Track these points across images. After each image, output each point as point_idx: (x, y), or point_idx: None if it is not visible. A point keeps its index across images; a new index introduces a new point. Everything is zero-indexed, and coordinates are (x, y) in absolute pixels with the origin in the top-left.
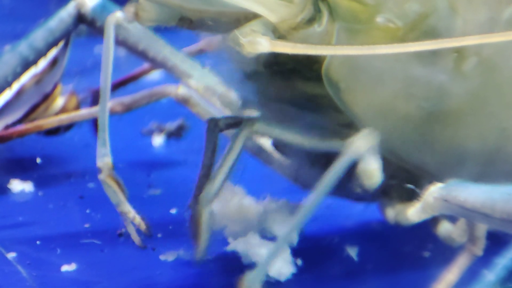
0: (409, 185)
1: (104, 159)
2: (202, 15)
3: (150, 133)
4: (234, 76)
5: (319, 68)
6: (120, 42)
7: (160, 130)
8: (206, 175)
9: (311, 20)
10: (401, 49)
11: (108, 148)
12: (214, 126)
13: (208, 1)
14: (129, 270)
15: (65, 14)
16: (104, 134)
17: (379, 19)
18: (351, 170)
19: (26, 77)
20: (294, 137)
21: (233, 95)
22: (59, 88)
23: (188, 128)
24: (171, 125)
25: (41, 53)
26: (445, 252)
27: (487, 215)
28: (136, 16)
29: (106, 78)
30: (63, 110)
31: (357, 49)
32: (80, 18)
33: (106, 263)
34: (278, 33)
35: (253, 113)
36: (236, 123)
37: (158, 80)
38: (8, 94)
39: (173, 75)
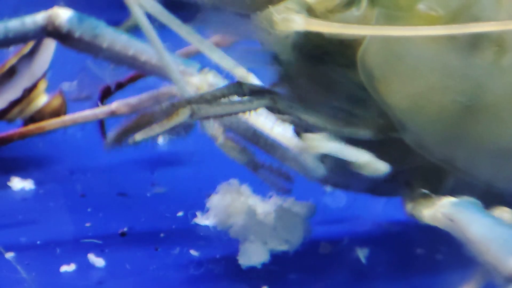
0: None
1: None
2: None
3: None
4: (262, 60)
5: (354, 54)
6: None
7: None
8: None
9: (349, 3)
10: (439, 32)
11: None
12: (237, 88)
13: None
14: (131, 270)
15: (29, 20)
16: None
17: (421, 6)
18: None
19: None
20: (318, 120)
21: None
22: (43, 84)
23: (192, 126)
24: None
25: None
26: (457, 256)
27: (481, 252)
28: None
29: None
30: (47, 107)
31: (396, 30)
32: (50, 31)
33: (107, 264)
34: (313, 15)
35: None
36: (261, 91)
37: (157, 81)
38: None
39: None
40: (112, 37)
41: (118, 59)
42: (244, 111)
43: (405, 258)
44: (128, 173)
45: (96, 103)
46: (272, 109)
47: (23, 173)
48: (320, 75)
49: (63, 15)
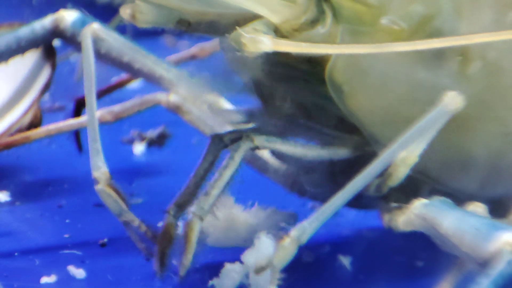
0: (409, 192)
1: (100, 169)
2: (201, 17)
3: (131, 142)
4: (232, 81)
5: (322, 71)
6: (102, 55)
7: (141, 138)
8: (196, 185)
9: (314, 22)
10: (404, 48)
11: (102, 158)
12: (219, 141)
13: (207, 2)
14: (112, 281)
15: (39, 26)
16: (96, 144)
17: (384, 21)
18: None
19: None
20: (296, 149)
21: (224, 103)
22: None
23: (169, 136)
24: (152, 133)
25: (0, 58)
26: (439, 261)
27: (455, 245)
28: (133, 18)
29: (91, 91)
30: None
31: (361, 48)
32: (57, 33)
33: (88, 275)
34: (280, 35)
35: (251, 123)
36: (240, 137)
37: (138, 89)
38: None
39: (159, 85)
40: (110, 44)
41: (116, 64)
42: (234, 172)
43: (387, 264)
44: None
45: (71, 114)
46: (251, 148)
47: None
48: (292, 94)
49: (68, 17)
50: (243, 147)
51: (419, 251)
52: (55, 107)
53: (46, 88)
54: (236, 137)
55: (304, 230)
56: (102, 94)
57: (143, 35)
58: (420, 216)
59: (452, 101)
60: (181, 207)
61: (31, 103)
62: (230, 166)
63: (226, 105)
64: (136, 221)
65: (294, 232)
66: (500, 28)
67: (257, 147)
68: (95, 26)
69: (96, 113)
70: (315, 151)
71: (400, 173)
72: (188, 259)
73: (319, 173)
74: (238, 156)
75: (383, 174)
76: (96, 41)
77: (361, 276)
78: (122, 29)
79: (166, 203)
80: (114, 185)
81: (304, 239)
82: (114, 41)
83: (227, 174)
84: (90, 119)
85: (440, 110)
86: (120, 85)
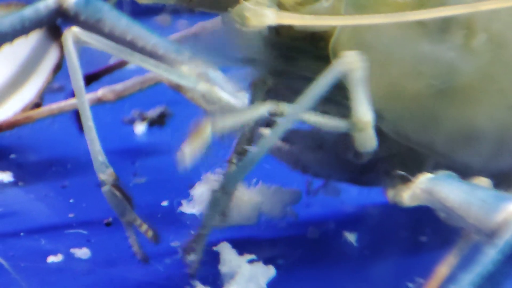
0: (412, 167)
1: (105, 171)
2: None
3: (132, 122)
4: (234, 58)
5: (326, 46)
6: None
7: (142, 118)
8: (252, 130)
9: None
10: (410, 18)
11: (105, 159)
12: (262, 84)
13: None
14: (118, 260)
15: (43, 5)
16: (96, 146)
17: None
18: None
19: None
20: (317, 119)
21: (230, 82)
22: None
23: (170, 115)
24: (153, 113)
25: (5, 38)
26: (444, 236)
27: (462, 217)
28: None
29: (81, 95)
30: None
31: (365, 18)
32: (61, 13)
33: (93, 254)
34: (284, 9)
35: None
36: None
37: (138, 69)
38: None
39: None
40: (113, 23)
41: (119, 43)
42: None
43: (393, 239)
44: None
45: (70, 94)
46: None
47: (1, 166)
48: (295, 71)
49: None
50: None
51: (424, 226)
52: (54, 87)
53: (58, 68)
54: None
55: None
56: (100, 75)
57: (140, 14)
58: (426, 191)
59: (352, 61)
60: (242, 154)
61: (43, 83)
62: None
63: (221, 93)
64: (138, 221)
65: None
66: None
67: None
68: (76, 30)
69: (90, 116)
70: (335, 123)
71: (363, 138)
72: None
73: (322, 151)
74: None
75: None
76: (78, 44)
77: (367, 251)
78: (119, 7)
79: (169, 182)
80: (120, 185)
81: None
82: (97, 43)
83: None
84: (86, 122)
85: (338, 69)
86: (118, 66)
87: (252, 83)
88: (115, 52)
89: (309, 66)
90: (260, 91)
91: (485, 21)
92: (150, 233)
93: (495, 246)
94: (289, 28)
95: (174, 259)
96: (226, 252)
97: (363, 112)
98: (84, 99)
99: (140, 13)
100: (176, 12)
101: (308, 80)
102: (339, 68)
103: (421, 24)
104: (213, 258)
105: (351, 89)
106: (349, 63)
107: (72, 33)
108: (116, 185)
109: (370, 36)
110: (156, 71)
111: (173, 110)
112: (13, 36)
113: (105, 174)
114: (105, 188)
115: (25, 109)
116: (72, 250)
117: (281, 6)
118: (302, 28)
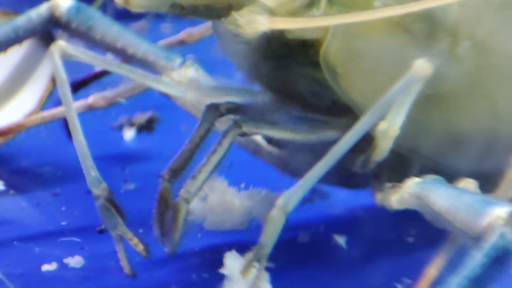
0: (400, 170)
1: (98, 185)
2: (194, 1)
3: (121, 127)
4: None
5: (316, 54)
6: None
7: (131, 124)
8: (191, 151)
9: (309, 5)
10: (398, 11)
11: (97, 173)
12: (215, 110)
13: None
14: (111, 267)
15: (35, 14)
16: (87, 161)
17: (377, 3)
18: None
19: None
20: (283, 134)
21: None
22: None
23: (159, 120)
24: (142, 118)
25: None
26: (433, 238)
27: (449, 221)
28: (126, 2)
29: (70, 109)
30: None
31: (354, 17)
32: (53, 21)
33: (88, 261)
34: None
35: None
36: (237, 108)
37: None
38: None
39: (154, 71)
40: (104, 30)
41: (110, 50)
42: (221, 157)
43: (381, 241)
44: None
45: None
46: (240, 134)
47: None
48: (286, 77)
49: (63, 4)
50: (232, 133)
51: (412, 227)
52: None
53: None
54: (232, 107)
55: (289, 198)
56: (90, 80)
57: (123, 17)
58: (414, 195)
59: (421, 68)
60: (176, 172)
61: (43, 92)
62: (218, 151)
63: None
64: (128, 235)
65: (280, 201)
66: (489, 8)
67: (245, 133)
68: (62, 44)
69: (81, 131)
70: (303, 135)
71: (383, 147)
72: (176, 239)
73: (310, 155)
74: (226, 142)
75: (367, 149)
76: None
77: (357, 254)
78: (103, 10)
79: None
80: (113, 199)
81: (290, 207)
82: (83, 56)
83: (215, 159)
84: (76, 137)
85: (410, 77)
86: (108, 71)
87: (206, 107)
88: (102, 65)
89: (299, 74)
90: (211, 116)
91: (469, 28)
92: (140, 247)
93: (482, 250)
94: (280, 36)
95: (166, 266)
96: (228, 255)
97: (398, 122)
98: (73, 113)
99: (125, 16)
100: (159, 15)
101: (298, 86)
102: (413, 76)
103: (409, 31)
104: (213, 262)
105: (397, 97)
106: (420, 71)
107: (58, 47)
108: (110, 199)
109: (360, 44)
110: (145, 81)
111: (161, 115)
112: (7, 45)
113: (99, 189)
114: (98, 203)
115: (26, 118)
116: (66, 258)
117: (273, 15)
118: (294, 36)
